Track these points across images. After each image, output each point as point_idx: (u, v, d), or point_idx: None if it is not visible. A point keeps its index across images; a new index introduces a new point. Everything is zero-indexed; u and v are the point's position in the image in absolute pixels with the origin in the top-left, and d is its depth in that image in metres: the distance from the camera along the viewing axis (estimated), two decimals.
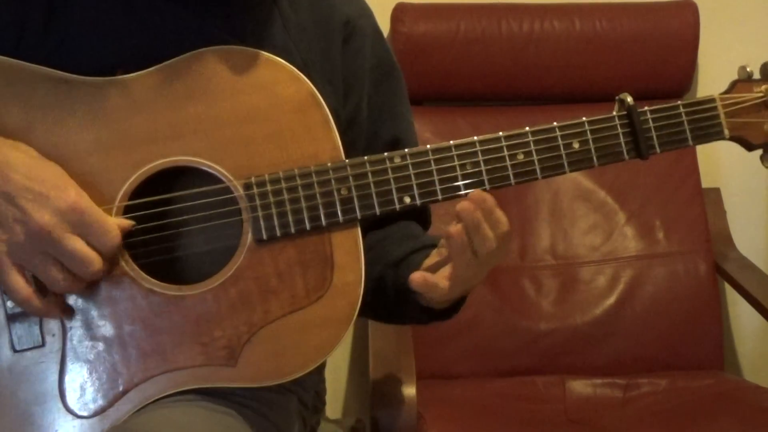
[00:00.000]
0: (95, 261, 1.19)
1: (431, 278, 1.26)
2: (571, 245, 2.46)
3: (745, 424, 2.06)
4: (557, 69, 2.49)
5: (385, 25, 2.40)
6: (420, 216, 1.49)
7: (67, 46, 1.30)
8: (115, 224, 1.21)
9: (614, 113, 1.32)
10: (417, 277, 1.26)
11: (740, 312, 2.65)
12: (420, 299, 1.33)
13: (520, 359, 2.37)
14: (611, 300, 2.41)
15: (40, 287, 1.21)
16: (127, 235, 1.23)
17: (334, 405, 2.60)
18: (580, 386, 2.29)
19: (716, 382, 2.28)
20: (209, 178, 1.26)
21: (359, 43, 1.43)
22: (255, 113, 1.27)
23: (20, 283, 1.19)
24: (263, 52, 1.29)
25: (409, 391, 1.94)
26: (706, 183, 2.52)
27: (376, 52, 1.46)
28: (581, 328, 2.38)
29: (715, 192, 2.59)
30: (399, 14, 2.45)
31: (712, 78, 2.61)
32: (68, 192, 1.20)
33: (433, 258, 1.30)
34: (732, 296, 2.57)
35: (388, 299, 1.39)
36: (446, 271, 1.27)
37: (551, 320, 2.39)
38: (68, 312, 1.24)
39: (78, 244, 1.18)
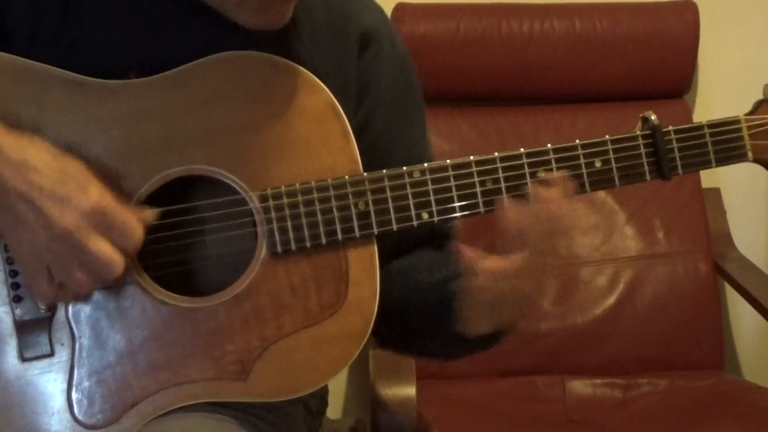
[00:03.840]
0: (119, 263, 1.17)
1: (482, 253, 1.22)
2: (570, 245, 2.45)
3: (745, 424, 2.07)
4: (557, 69, 2.49)
5: None
6: (437, 240, 1.44)
7: (80, 46, 1.27)
8: (137, 222, 1.19)
9: (637, 132, 1.28)
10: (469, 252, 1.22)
11: (740, 312, 2.65)
12: (458, 323, 1.29)
13: (520, 359, 2.36)
14: (611, 300, 2.41)
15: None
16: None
17: (334, 405, 2.60)
18: (580, 386, 2.29)
19: (716, 382, 2.29)
20: (224, 187, 1.24)
21: (375, 53, 1.40)
22: (272, 122, 1.24)
23: (44, 286, 1.18)
24: (282, 59, 1.26)
25: (409, 391, 1.94)
26: (706, 183, 2.53)
27: (394, 66, 1.42)
28: (581, 328, 2.39)
29: (715, 192, 2.59)
30: (399, 14, 2.45)
31: (712, 78, 2.62)
32: (90, 191, 1.17)
33: None
34: (732, 296, 2.58)
35: (429, 316, 1.35)
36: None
37: (551, 320, 2.39)
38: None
39: (103, 246, 1.16)
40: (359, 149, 1.27)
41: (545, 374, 2.33)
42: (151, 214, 1.21)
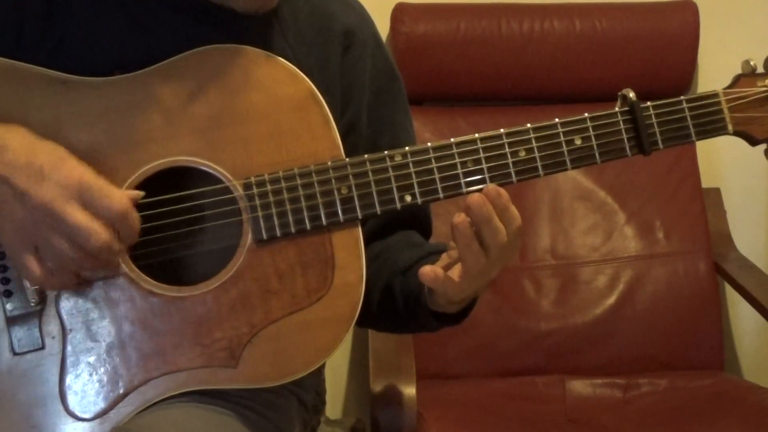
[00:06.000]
0: (100, 231, 1.17)
1: (441, 273, 1.22)
2: (571, 245, 2.46)
3: (745, 424, 2.06)
4: (557, 69, 2.49)
5: (385, 25, 2.40)
6: (420, 225, 1.48)
7: (66, 47, 1.29)
8: (119, 192, 1.19)
9: (616, 109, 1.30)
10: (427, 270, 1.22)
11: (740, 312, 2.65)
12: (431, 303, 1.31)
13: (520, 359, 2.37)
14: (611, 300, 2.41)
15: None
16: None
17: (334, 405, 2.60)
18: (580, 386, 2.29)
19: (716, 382, 2.29)
20: (209, 178, 1.25)
21: (359, 53, 1.42)
22: (254, 112, 1.26)
23: (32, 264, 1.19)
24: (262, 51, 1.28)
25: (409, 391, 1.94)
26: (706, 183, 2.52)
27: (376, 62, 1.44)
28: (581, 328, 2.39)
29: (715, 192, 2.59)
30: (399, 14, 2.45)
31: (712, 78, 2.61)
32: (65, 164, 1.18)
33: (443, 261, 1.28)
34: (732, 296, 2.57)
35: (396, 308, 1.38)
36: (457, 268, 1.24)
37: (551, 320, 2.39)
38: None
39: (80, 216, 1.16)
40: (345, 151, 1.29)
41: (545, 374, 2.33)
42: (136, 193, 1.22)
